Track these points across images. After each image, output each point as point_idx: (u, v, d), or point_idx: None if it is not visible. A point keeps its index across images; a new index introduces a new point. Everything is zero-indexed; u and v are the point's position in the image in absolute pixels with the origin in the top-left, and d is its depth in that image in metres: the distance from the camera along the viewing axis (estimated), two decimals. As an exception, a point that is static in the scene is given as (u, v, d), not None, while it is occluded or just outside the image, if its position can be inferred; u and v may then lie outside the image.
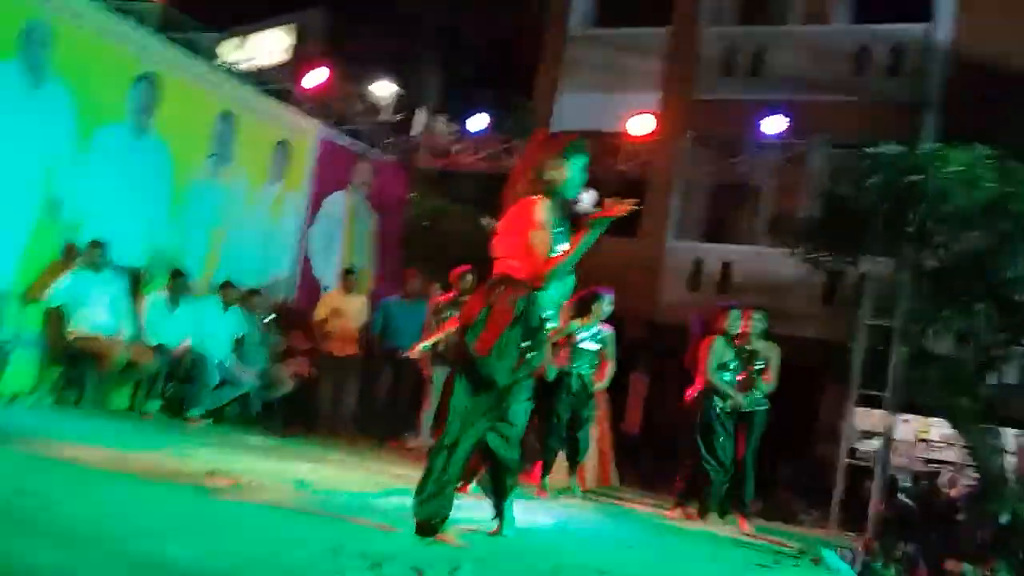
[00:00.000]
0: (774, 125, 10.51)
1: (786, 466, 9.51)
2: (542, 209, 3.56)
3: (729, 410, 6.13)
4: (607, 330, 6.65)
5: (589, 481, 7.40)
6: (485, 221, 12.16)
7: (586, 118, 13.15)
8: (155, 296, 7.69)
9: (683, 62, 13.15)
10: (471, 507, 4.35)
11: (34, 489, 3.11)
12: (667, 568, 3.91)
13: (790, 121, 10.49)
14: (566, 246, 3.55)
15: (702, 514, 6.17)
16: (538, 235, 3.52)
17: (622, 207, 3.50)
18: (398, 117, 11.72)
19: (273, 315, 8.65)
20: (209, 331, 7.79)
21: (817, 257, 9.41)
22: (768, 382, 6.28)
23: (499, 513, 3.76)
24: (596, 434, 7.57)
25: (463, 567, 3.07)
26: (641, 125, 10.79)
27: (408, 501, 3.51)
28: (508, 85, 13.37)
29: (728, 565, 4.47)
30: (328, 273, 10.01)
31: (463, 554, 3.27)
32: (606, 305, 6.51)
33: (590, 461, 7.47)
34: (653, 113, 11.35)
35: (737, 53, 13.01)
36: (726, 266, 12.11)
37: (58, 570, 2.20)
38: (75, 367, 7.05)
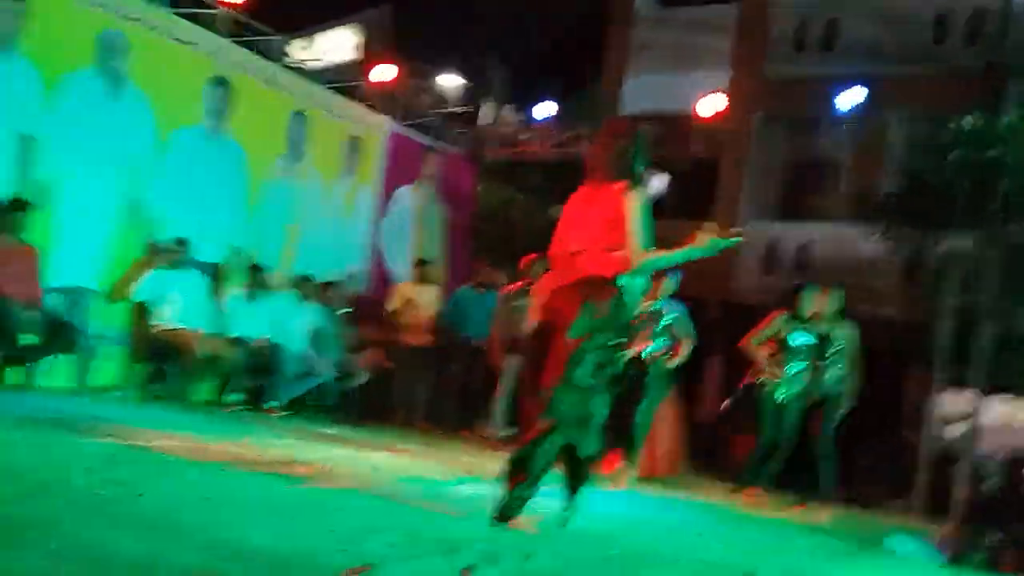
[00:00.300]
0: (850, 99, 10.22)
1: (867, 452, 9.26)
2: (638, 200, 3.56)
3: (792, 391, 5.89)
4: (675, 308, 6.41)
5: (660, 468, 7.32)
6: (553, 210, 12.16)
7: (654, 100, 13.01)
8: (234, 291, 7.90)
9: (753, 39, 12.87)
10: (545, 494, 4.38)
11: (121, 478, 3.23)
12: (739, 556, 3.85)
13: (867, 95, 10.18)
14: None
15: (763, 496, 5.98)
16: (635, 227, 3.52)
17: (733, 233, 3.63)
18: (465, 109, 11.78)
19: (348, 307, 8.80)
20: (287, 324, 7.97)
21: (898, 234, 9.13)
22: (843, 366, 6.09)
23: (571, 501, 3.76)
24: (667, 419, 7.46)
25: (537, 554, 3.08)
26: (711, 105, 10.61)
27: (481, 488, 3.53)
28: (574, 71, 13.30)
29: (805, 553, 4.38)
30: (400, 265, 10.13)
31: (537, 541, 3.28)
32: (671, 283, 6.26)
33: (661, 447, 7.38)
34: (723, 92, 11.15)
35: (809, 27, 12.67)
36: (803, 246, 11.84)
37: (143, 555, 2.28)
38: (159, 361, 7.30)
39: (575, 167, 12.54)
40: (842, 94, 10.21)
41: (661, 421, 7.43)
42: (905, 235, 9.07)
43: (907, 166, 10.30)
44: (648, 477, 7.25)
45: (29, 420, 4.60)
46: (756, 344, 5.99)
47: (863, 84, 10.28)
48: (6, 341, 6.12)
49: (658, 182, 14.24)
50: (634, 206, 3.54)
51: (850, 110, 10.36)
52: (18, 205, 6.34)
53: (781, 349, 6.08)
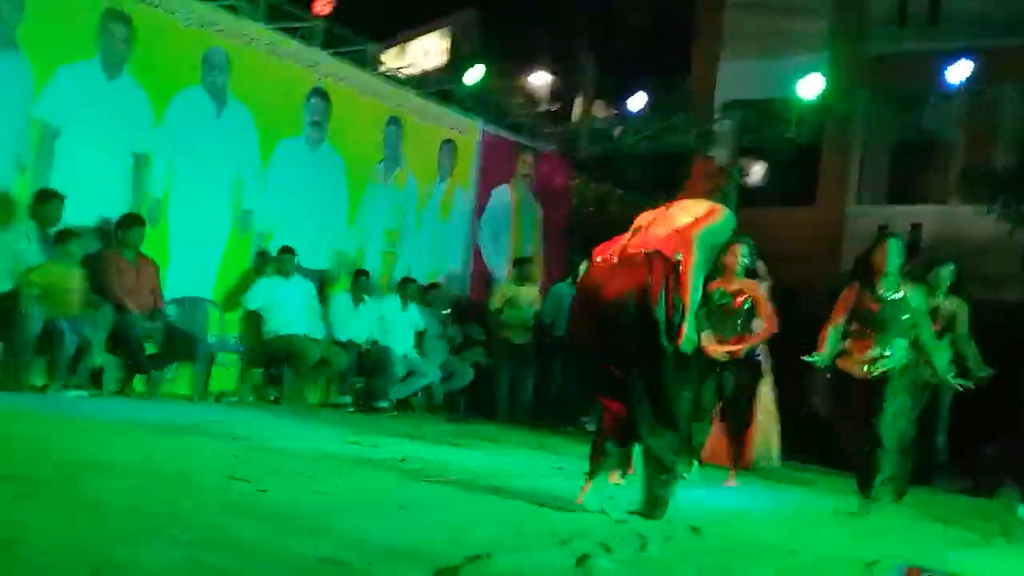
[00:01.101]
0: (958, 73, 9.74)
1: (992, 443, 8.83)
2: (726, 220, 3.67)
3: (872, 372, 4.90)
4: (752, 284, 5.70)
5: (754, 458, 7.13)
6: (653, 201, 12.03)
7: (749, 87, 12.75)
8: (340, 296, 8.12)
9: (851, 17, 12.47)
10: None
11: (243, 475, 3.36)
12: (860, 545, 3.73)
13: (975, 68, 9.70)
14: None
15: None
16: (705, 237, 3.58)
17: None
18: (557, 106, 11.77)
19: (450, 308, 8.93)
20: (392, 326, 8.15)
21: (1017, 212, 8.71)
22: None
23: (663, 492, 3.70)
24: (760, 406, 7.23)
25: (651, 544, 3.06)
26: (810, 88, 10.28)
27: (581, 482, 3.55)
28: (666, 62, 13.15)
29: (928, 543, 4.21)
30: (499, 264, 10.22)
31: (650, 532, 3.26)
32: (743, 256, 5.54)
33: (758, 437, 7.18)
34: (822, 74, 10.82)
35: (910, 2, 12.20)
36: (914, 228, 11.38)
37: (271, 546, 2.37)
38: (272, 366, 7.56)
39: (671, 159, 12.45)
40: (949, 69, 9.75)
41: (754, 411, 7.23)
42: (1022, 214, 8.65)
43: (1021, 141, 9.81)
44: (745, 468, 7.08)
45: (159, 425, 4.83)
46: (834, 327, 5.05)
47: (970, 57, 9.80)
48: (132, 352, 6.44)
49: (756, 169, 13.95)
50: (718, 219, 3.60)
51: (958, 85, 9.89)
52: (135, 221, 6.67)
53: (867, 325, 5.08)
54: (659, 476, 3.59)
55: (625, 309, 3.50)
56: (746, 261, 5.55)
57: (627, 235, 3.72)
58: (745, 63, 13.04)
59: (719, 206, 3.67)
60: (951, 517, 5.32)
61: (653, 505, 3.59)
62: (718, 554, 3.17)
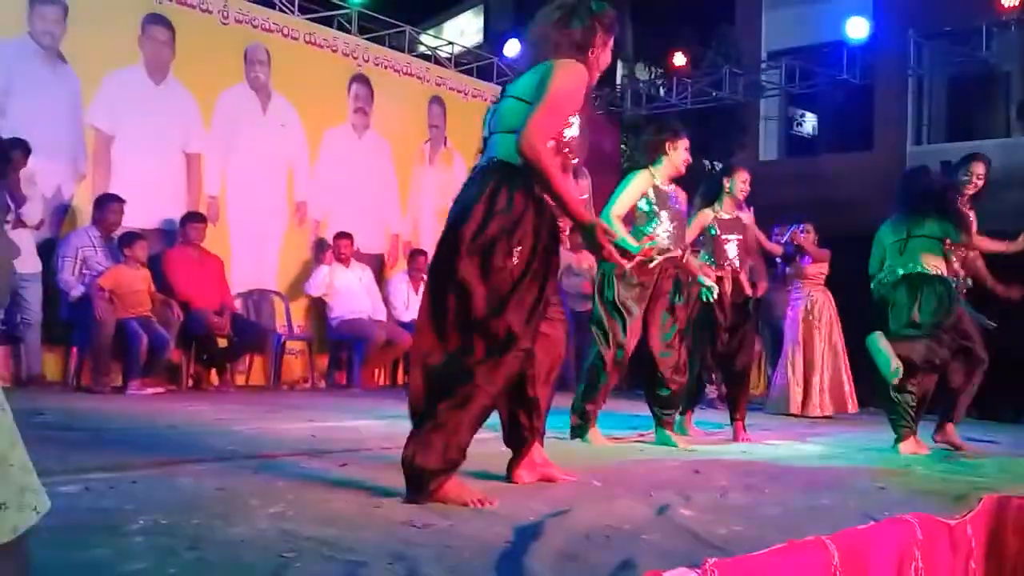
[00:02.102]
0: (1010, 0, 9.36)
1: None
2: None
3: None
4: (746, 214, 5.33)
5: (821, 406, 7.03)
6: (703, 160, 11.86)
7: (796, 34, 12.46)
8: (399, 277, 8.19)
9: (896, -49, 12.07)
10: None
11: (322, 452, 3.42)
12: (953, 479, 3.66)
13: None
14: None
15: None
16: None
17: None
18: (599, 71, 11.63)
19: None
20: (451, 304, 8.18)
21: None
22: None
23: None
24: (827, 353, 7.12)
25: (731, 492, 3.04)
26: (857, 28, 10.00)
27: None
28: (708, 16, 12.90)
29: (1020, 472, 4.11)
30: (553, 234, 10.18)
31: (730, 480, 3.24)
32: (740, 181, 5.19)
33: (819, 383, 7.07)
34: (868, 14, 10.51)
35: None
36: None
37: (353, 511, 2.41)
38: (340, 351, 7.67)
39: (719, 114, 12.20)
40: (999, -1, 9.37)
41: (820, 357, 7.11)
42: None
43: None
44: (824, 415, 6.99)
45: (236, 414, 4.94)
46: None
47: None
48: (203, 347, 6.59)
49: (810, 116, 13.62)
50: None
51: (1015, 11, 9.49)
52: (196, 218, 6.81)
53: None
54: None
55: None
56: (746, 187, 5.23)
57: None
58: (789, 9, 12.74)
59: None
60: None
61: None
62: (802, 496, 3.13)
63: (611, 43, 2.95)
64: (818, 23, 11.55)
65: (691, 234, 5.07)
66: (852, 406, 7.12)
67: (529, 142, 2.57)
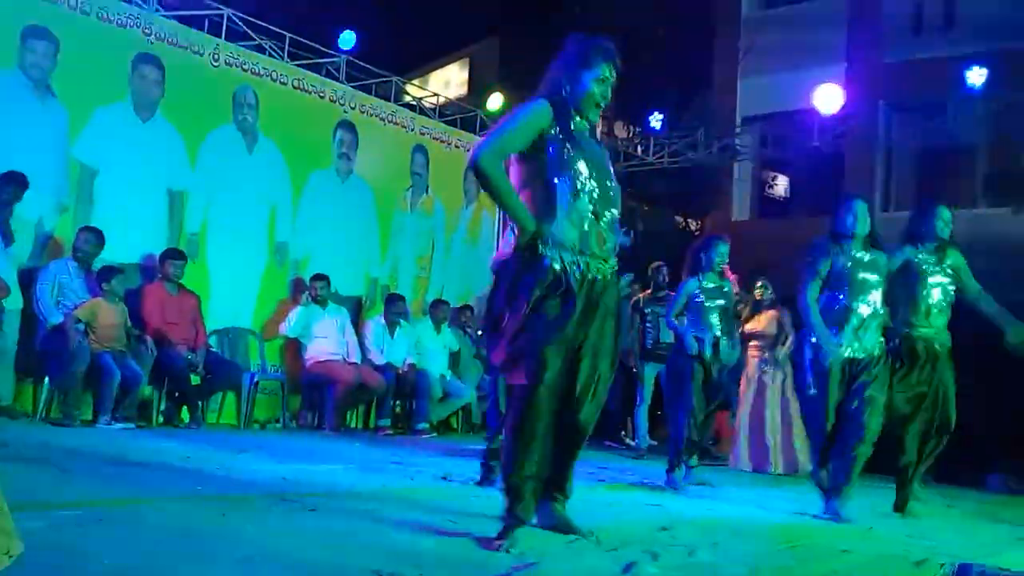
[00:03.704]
0: (976, 78, 9.72)
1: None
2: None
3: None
4: (731, 280, 5.58)
5: (778, 464, 7.13)
6: (680, 219, 12.09)
7: (770, 101, 12.80)
8: (375, 321, 8.23)
9: (867, 27, 12.51)
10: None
11: (292, 495, 3.45)
12: (915, 544, 3.74)
13: (994, 71, 9.68)
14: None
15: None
16: None
17: None
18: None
19: (483, 329, 9.00)
20: (427, 349, 8.24)
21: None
22: None
23: None
24: (776, 414, 7.22)
25: (699, 550, 3.09)
26: (828, 98, 10.32)
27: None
28: (686, 79, 13.23)
29: (978, 543, 4.20)
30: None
31: (698, 538, 3.30)
32: (718, 254, 5.39)
33: (772, 440, 7.18)
34: (841, 85, 10.85)
35: (925, 8, 12.22)
36: (945, 233, 11.32)
37: (319, 559, 2.44)
38: (313, 392, 7.67)
39: (694, 173, 12.43)
40: (968, 72, 9.74)
41: (784, 414, 7.22)
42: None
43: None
44: (791, 474, 7.08)
45: (207, 453, 4.93)
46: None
47: (988, 62, 9.80)
48: (176, 383, 6.58)
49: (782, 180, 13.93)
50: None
51: (978, 89, 9.86)
52: (175, 255, 6.84)
53: None
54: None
55: None
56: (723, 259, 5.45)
57: None
58: (764, 78, 13.11)
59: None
60: (1005, 516, 5.30)
61: None
62: (768, 556, 3.19)
63: (604, 72, 3.06)
64: (791, 92, 11.88)
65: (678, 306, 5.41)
66: (768, 465, 7.16)
67: (473, 155, 2.88)
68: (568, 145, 2.94)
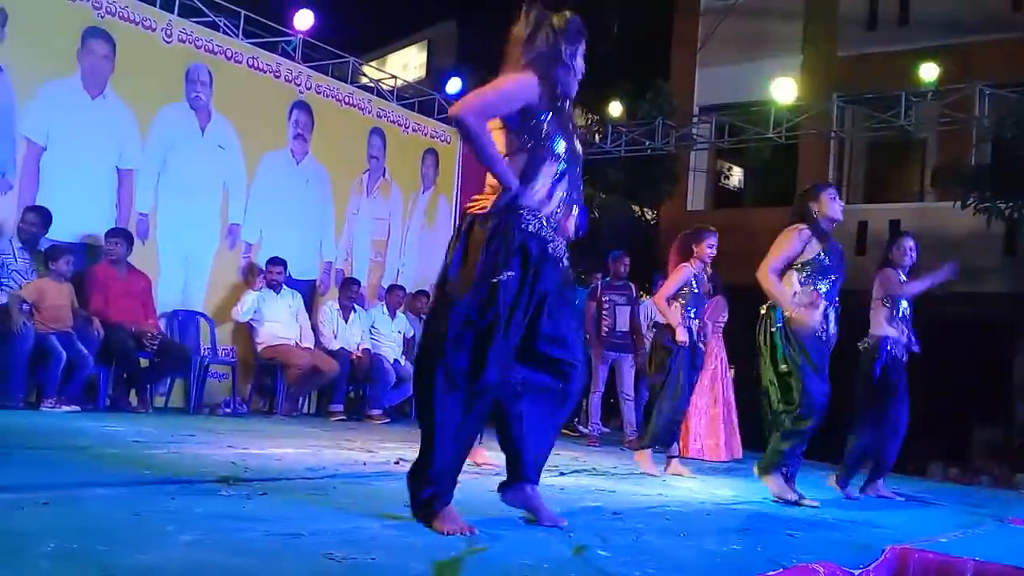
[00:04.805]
0: (928, 73, 9.92)
1: (982, 428, 9.00)
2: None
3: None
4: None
5: (715, 451, 7.25)
6: (637, 207, 12.17)
7: (728, 91, 12.92)
8: (330, 306, 8.16)
9: (823, 21, 12.68)
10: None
11: (245, 480, 3.41)
12: (859, 529, 3.82)
13: (945, 67, 9.89)
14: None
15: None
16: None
17: None
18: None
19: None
20: (381, 334, 8.20)
21: (993, 205, 8.87)
22: None
23: None
24: (713, 400, 7.34)
25: (646, 534, 3.13)
26: (783, 90, 10.46)
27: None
28: (644, 69, 13.28)
29: (926, 525, 4.31)
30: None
31: (645, 523, 3.33)
32: (708, 246, 5.60)
33: (712, 429, 7.29)
34: (796, 77, 10.99)
35: (880, 4, 12.42)
36: (893, 225, 11.55)
37: (268, 542, 2.42)
38: (265, 377, 7.59)
39: (651, 163, 12.51)
40: (920, 68, 9.93)
41: (714, 404, 7.35)
42: (1001, 206, 8.81)
43: (995, 136, 9.99)
44: (726, 460, 7.18)
45: (155, 437, 4.86)
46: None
47: (942, 57, 10.01)
48: (124, 366, 6.46)
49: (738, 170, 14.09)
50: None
51: (930, 84, 10.06)
52: (120, 235, 6.70)
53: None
54: None
55: None
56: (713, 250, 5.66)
57: None
58: (722, 68, 13.22)
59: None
60: (945, 503, 5.44)
61: None
62: (717, 541, 3.24)
63: (582, 49, 3.05)
64: (748, 83, 12.01)
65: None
66: (725, 454, 7.27)
67: (460, 111, 2.82)
68: (550, 124, 2.93)
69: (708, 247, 5.57)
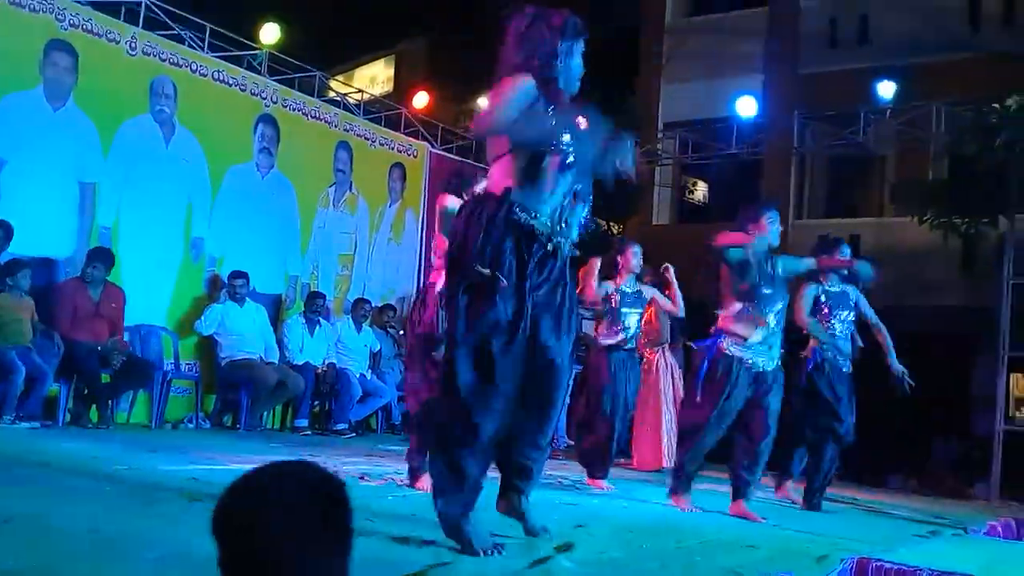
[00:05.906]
0: (886, 91, 10.15)
1: (941, 440, 9.16)
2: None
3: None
4: (647, 287, 6.03)
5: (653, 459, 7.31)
6: (603, 222, 12.22)
7: (692, 107, 13.07)
8: (295, 319, 8.12)
9: (785, 39, 12.90)
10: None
11: (205, 496, 3.39)
12: (817, 539, 3.88)
13: (904, 85, 10.11)
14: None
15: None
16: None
17: None
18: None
19: (404, 329, 8.97)
20: (347, 348, 8.17)
21: (950, 221, 9.06)
22: None
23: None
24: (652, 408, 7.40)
25: (612, 546, 3.16)
26: (746, 107, 10.62)
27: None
28: (609, 84, 13.40)
29: (878, 538, 4.38)
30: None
31: (610, 535, 3.36)
32: (635, 257, 5.81)
33: (665, 437, 7.33)
34: (759, 93, 11.15)
35: (840, 23, 12.66)
36: (853, 239, 11.70)
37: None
38: (229, 392, 7.53)
39: (617, 178, 12.49)
40: (879, 86, 10.15)
41: (649, 411, 7.40)
42: (958, 221, 9.00)
43: (952, 152, 10.21)
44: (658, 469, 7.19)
45: (117, 453, 4.80)
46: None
47: (901, 75, 10.22)
48: (85, 381, 6.38)
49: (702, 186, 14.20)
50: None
51: (888, 101, 10.28)
52: (101, 256, 6.62)
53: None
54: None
55: None
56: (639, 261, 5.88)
57: None
58: (686, 85, 13.38)
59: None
60: (902, 514, 5.53)
61: None
62: (678, 552, 3.28)
63: (580, 47, 3.06)
64: (712, 100, 12.17)
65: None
66: (658, 463, 7.26)
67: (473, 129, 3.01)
68: (555, 120, 2.91)
69: (634, 259, 5.83)
